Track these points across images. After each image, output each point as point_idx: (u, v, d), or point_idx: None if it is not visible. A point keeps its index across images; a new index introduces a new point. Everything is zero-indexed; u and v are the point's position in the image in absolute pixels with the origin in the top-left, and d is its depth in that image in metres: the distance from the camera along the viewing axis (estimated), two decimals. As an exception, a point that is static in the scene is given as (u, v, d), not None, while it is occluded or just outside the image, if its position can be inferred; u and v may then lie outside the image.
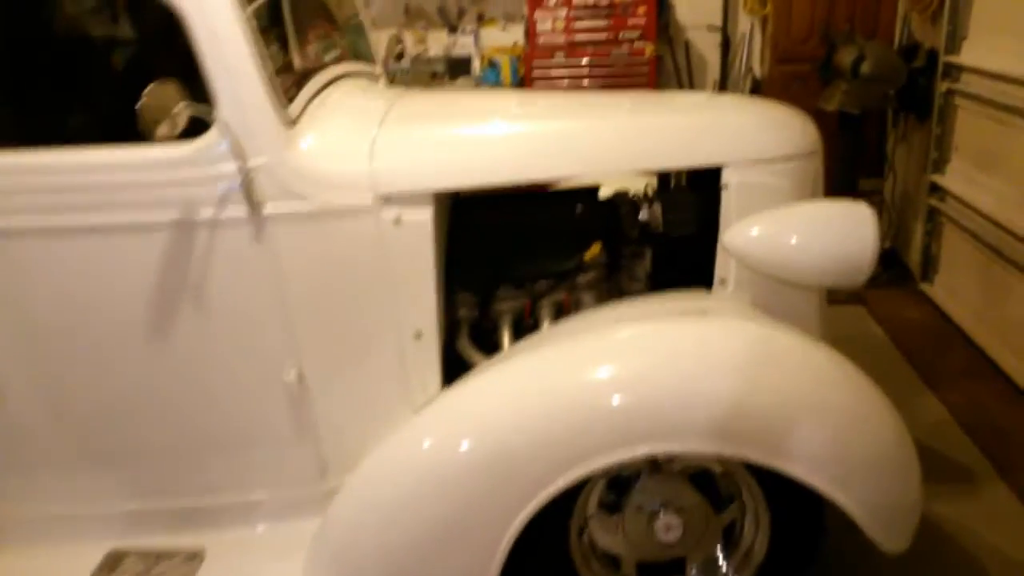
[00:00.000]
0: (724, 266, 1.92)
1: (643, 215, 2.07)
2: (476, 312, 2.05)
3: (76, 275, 1.69)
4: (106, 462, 1.85)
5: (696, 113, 2.04)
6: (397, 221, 1.74)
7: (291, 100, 1.74)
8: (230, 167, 1.60)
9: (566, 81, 4.55)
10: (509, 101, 2.31)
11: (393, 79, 4.50)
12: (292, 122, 1.70)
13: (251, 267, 1.69)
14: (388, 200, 1.73)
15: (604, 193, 2.23)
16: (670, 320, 1.77)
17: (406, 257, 1.77)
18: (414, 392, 1.89)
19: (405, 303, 1.80)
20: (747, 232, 1.84)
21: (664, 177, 2.16)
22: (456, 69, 4.59)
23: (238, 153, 1.58)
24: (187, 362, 1.76)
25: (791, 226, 1.82)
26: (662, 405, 1.57)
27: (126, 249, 1.66)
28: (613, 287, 2.11)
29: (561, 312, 2.04)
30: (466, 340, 2.01)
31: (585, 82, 4.55)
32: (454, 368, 1.93)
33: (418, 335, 1.83)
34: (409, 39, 4.55)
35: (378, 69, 2.55)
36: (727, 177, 1.86)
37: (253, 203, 1.62)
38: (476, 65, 4.56)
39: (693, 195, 2.01)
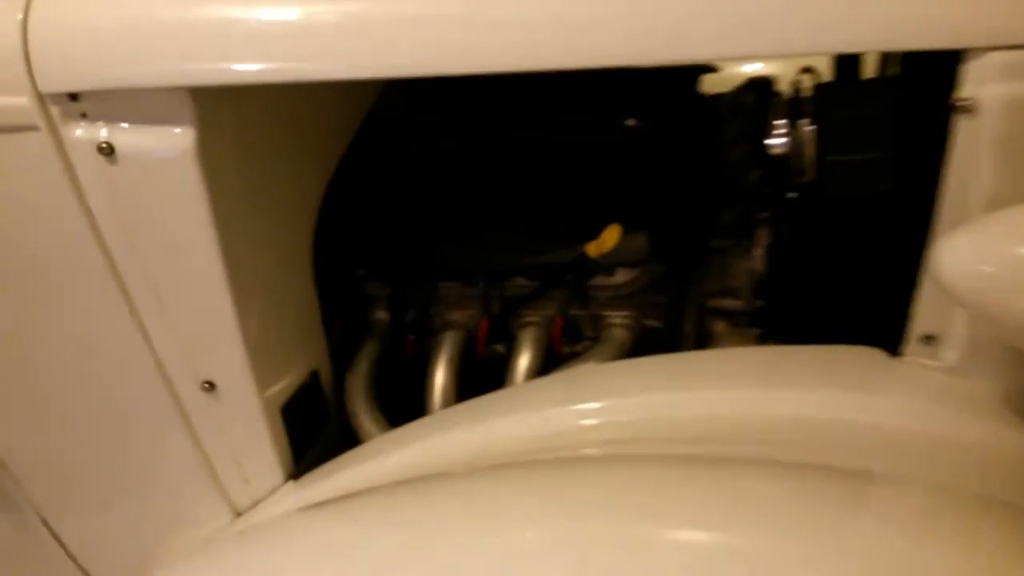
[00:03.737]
0: (937, 311, 0.75)
1: (777, 142, 0.92)
2: (389, 321, 1.05)
3: None
4: None
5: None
6: (106, 150, 0.75)
7: None
8: None
9: None
10: None
11: None
12: None
13: None
14: (75, 107, 0.74)
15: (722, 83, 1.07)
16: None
17: (142, 232, 0.79)
18: (227, 484, 0.96)
19: (164, 327, 0.84)
20: (1009, 246, 0.63)
21: (849, 68, 0.97)
22: None
23: None
24: None
25: None
26: None
27: None
28: (677, 305, 0.99)
29: (554, 347, 0.98)
30: (360, 383, 1.02)
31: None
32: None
33: (208, 386, 0.87)
34: None
35: None
36: (973, 84, 0.66)
37: None
38: None
39: (902, 110, 0.82)
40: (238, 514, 0.97)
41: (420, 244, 0.99)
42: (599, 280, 0.95)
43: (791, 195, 0.96)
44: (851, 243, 0.94)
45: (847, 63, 0.97)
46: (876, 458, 0.72)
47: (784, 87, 0.98)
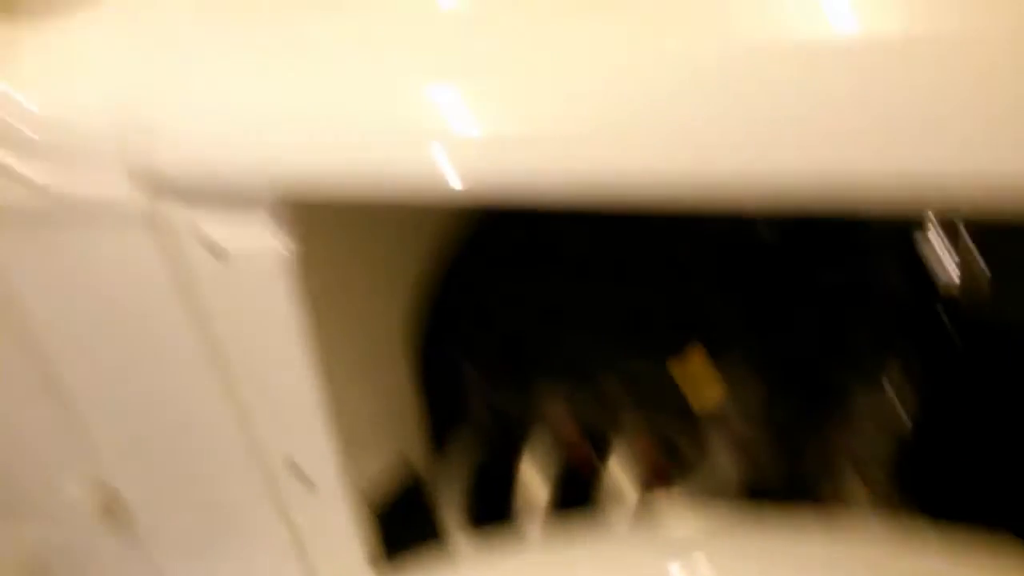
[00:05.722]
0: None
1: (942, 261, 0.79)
2: (486, 415, 1.01)
3: None
4: None
5: None
6: (210, 248, 0.77)
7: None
8: None
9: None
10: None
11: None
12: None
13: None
14: (182, 201, 0.76)
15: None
16: None
17: (246, 322, 0.81)
18: (316, 566, 0.96)
19: (250, 401, 0.86)
20: None
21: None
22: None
23: None
24: None
25: None
26: None
27: None
28: (793, 450, 0.87)
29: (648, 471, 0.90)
30: (454, 483, 0.98)
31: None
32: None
33: (290, 463, 0.88)
34: None
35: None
36: None
37: None
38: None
39: None
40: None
41: (516, 335, 0.95)
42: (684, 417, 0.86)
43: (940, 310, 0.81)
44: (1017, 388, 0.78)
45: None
46: None
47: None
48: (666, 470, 0.89)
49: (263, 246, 0.75)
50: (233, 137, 0.72)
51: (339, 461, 0.86)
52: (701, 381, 0.80)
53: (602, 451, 0.94)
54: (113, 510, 0.99)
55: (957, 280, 0.80)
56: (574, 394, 0.91)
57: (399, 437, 0.95)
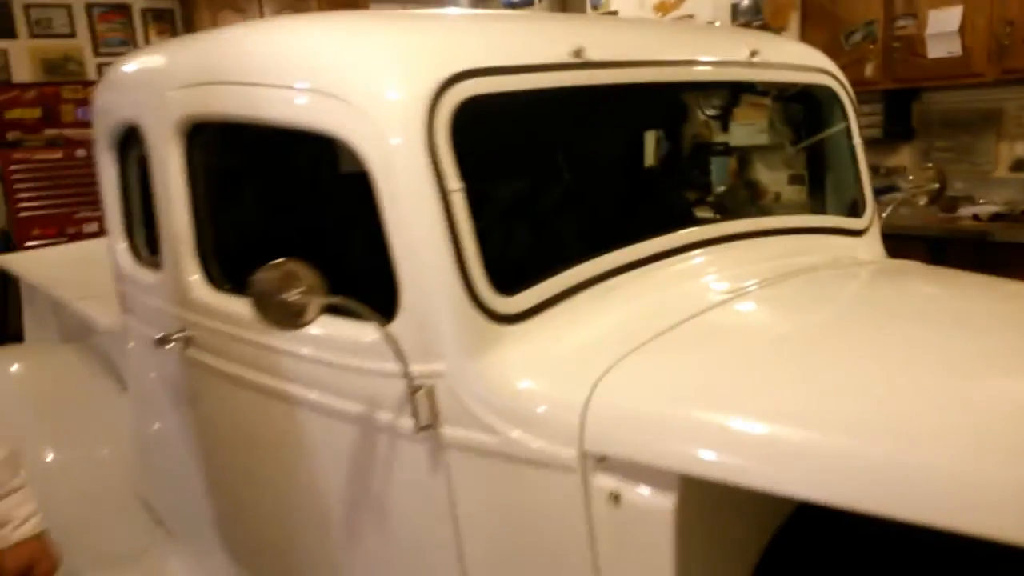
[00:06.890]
0: None
1: None
2: None
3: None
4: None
5: None
6: (614, 498, 1.12)
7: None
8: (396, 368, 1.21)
9: None
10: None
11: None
12: (506, 319, 1.20)
13: (423, 496, 1.26)
14: (602, 463, 1.11)
15: None
16: None
17: (627, 558, 1.12)
18: None
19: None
20: None
21: None
22: None
23: (401, 354, 1.19)
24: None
25: None
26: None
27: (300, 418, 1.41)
28: None
29: None
30: None
31: None
32: None
33: None
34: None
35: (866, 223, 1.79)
36: None
37: (420, 420, 1.21)
38: None
39: None
40: None
41: None
42: None
43: None
44: None
45: None
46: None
47: None
48: None
49: (653, 499, 1.07)
50: (658, 432, 1.07)
51: None
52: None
53: None
54: None
55: None
56: None
57: None
